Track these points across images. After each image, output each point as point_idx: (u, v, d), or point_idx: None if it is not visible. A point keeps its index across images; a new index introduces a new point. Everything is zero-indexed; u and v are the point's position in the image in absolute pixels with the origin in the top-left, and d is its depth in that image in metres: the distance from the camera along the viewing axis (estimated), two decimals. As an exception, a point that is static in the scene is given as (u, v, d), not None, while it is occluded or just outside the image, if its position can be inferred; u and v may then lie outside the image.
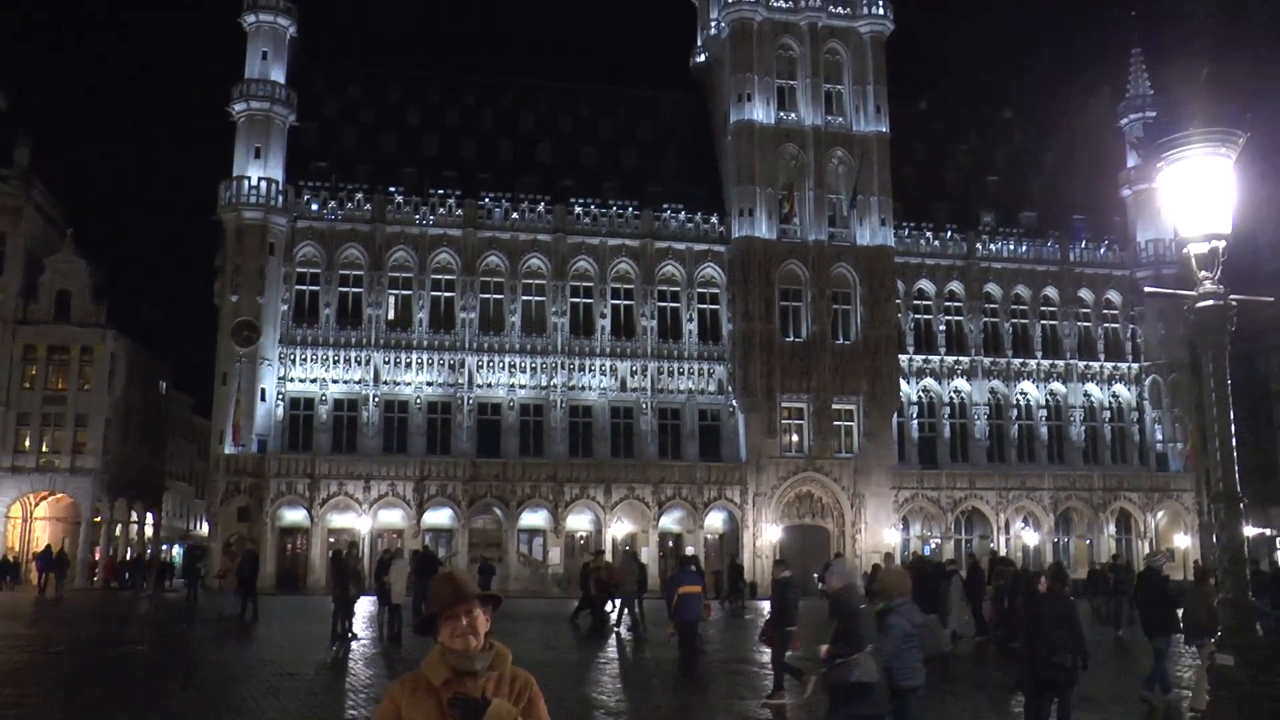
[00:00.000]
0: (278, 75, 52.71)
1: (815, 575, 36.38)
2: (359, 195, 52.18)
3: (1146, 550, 55.52)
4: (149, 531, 65.57)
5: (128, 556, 55.87)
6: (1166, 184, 6.62)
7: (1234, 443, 6.49)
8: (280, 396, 50.04)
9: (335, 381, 50.69)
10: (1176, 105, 6.57)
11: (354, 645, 22.44)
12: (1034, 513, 55.71)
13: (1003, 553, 53.31)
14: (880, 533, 52.05)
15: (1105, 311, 60.12)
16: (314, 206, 51.79)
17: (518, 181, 54.76)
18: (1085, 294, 59.56)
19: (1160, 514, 57.11)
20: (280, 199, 50.69)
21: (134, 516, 61.63)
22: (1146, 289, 53.32)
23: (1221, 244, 6.45)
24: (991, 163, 63.63)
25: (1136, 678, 16.23)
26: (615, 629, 27.34)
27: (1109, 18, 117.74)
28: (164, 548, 67.85)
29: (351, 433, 50.70)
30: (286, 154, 52.27)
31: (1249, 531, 61.39)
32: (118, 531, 58.43)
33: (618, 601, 28.26)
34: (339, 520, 49.16)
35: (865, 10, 56.90)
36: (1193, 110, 6.34)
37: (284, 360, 50.27)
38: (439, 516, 50.13)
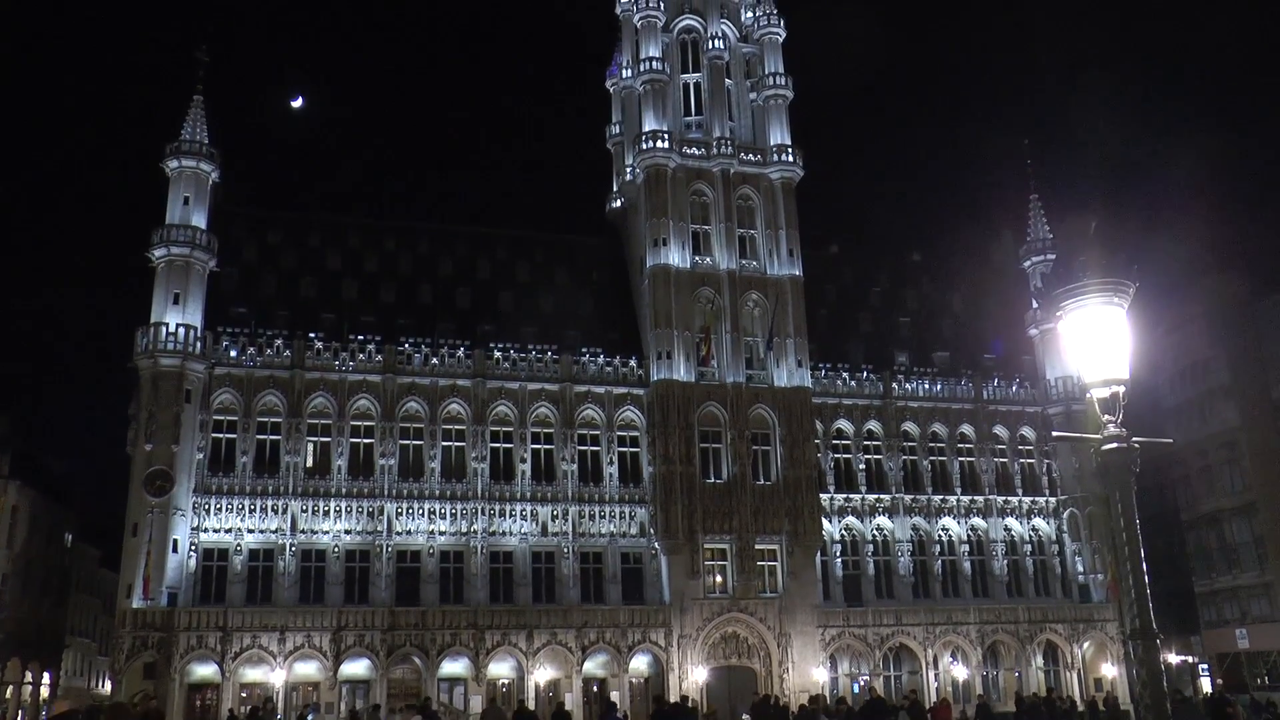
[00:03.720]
0: (199, 220, 52.32)
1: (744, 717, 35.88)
2: (278, 341, 51.68)
3: (1076, 681, 55.84)
4: (45, 692, 62.53)
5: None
6: (1068, 332, 6.93)
7: (1146, 579, 6.64)
8: (193, 547, 48.55)
9: (251, 531, 49.41)
10: (1071, 257, 6.93)
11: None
12: (961, 647, 55.67)
13: (932, 686, 53.40)
14: (808, 671, 51.54)
15: (1020, 447, 61.35)
16: (233, 353, 51.14)
17: (437, 326, 54.87)
18: (1000, 430, 60.82)
19: (1086, 644, 57.43)
20: (198, 346, 49.97)
21: (28, 677, 58.77)
22: (1054, 433, 54.64)
23: (1121, 389, 6.73)
24: (903, 304, 65.50)
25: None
26: None
27: (1008, 165, 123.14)
28: (63, 709, 64.66)
29: (267, 583, 49.21)
30: (206, 299, 51.77)
31: (1172, 659, 62.07)
32: (9, 694, 55.62)
33: None
34: (252, 674, 47.37)
35: (775, 158, 58.75)
36: (1086, 262, 6.71)
37: (198, 510, 48.95)
38: (356, 667, 48.60)
